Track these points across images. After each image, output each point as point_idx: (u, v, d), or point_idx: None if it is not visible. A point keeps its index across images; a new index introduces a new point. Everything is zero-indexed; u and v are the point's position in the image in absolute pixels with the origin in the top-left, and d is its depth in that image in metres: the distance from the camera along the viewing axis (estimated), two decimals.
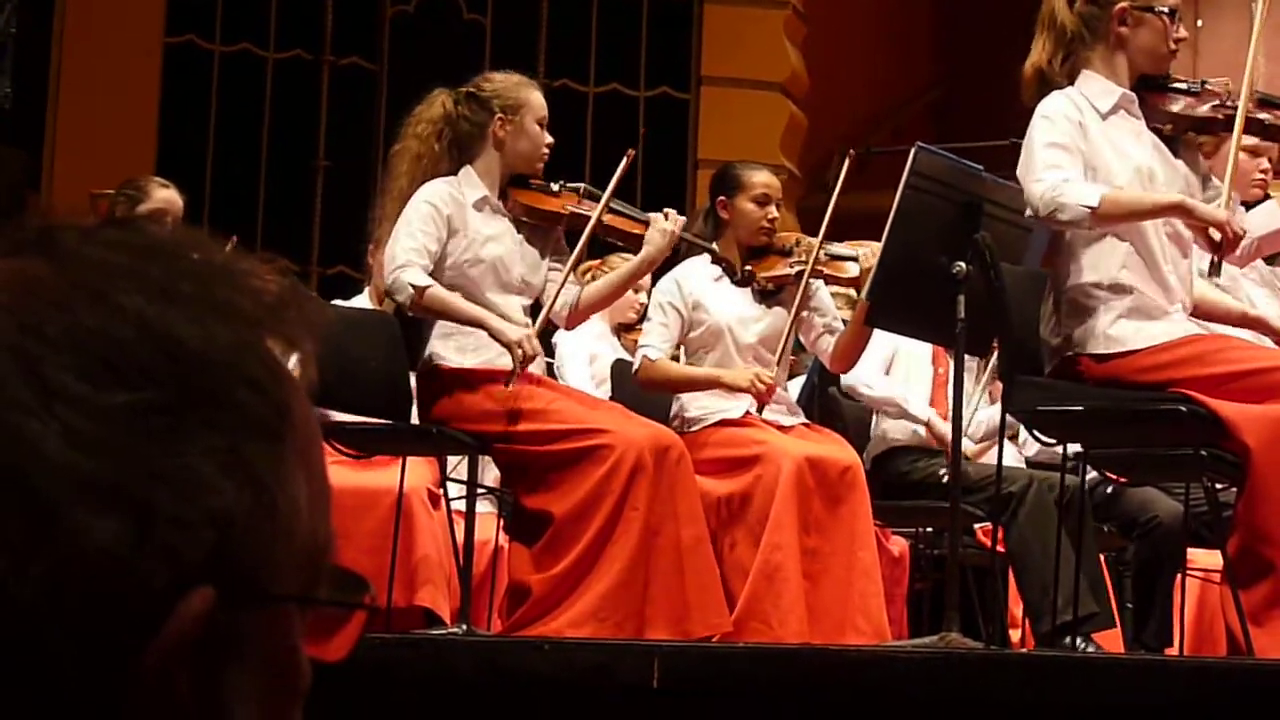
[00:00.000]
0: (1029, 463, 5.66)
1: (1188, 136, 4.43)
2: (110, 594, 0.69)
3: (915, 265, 4.42)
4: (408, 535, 5.27)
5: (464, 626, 4.67)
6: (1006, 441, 4.96)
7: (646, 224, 4.94)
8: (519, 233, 4.83)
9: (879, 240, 4.61)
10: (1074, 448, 4.53)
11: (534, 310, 4.83)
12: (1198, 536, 4.86)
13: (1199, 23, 9.92)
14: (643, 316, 5.74)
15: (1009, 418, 4.63)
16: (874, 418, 5.72)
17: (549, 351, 5.42)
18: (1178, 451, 4.18)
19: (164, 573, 0.69)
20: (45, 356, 0.70)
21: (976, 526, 5.50)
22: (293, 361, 0.77)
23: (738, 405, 5.03)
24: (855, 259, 5.18)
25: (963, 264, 4.34)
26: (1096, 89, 4.27)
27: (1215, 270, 4.19)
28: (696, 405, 5.08)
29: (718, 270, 5.17)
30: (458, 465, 5.19)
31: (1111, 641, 4.96)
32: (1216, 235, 4.09)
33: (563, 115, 6.04)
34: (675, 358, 5.14)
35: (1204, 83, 4.37)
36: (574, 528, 4.54)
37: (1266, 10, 4.39)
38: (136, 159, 8.06)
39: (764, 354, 5.10)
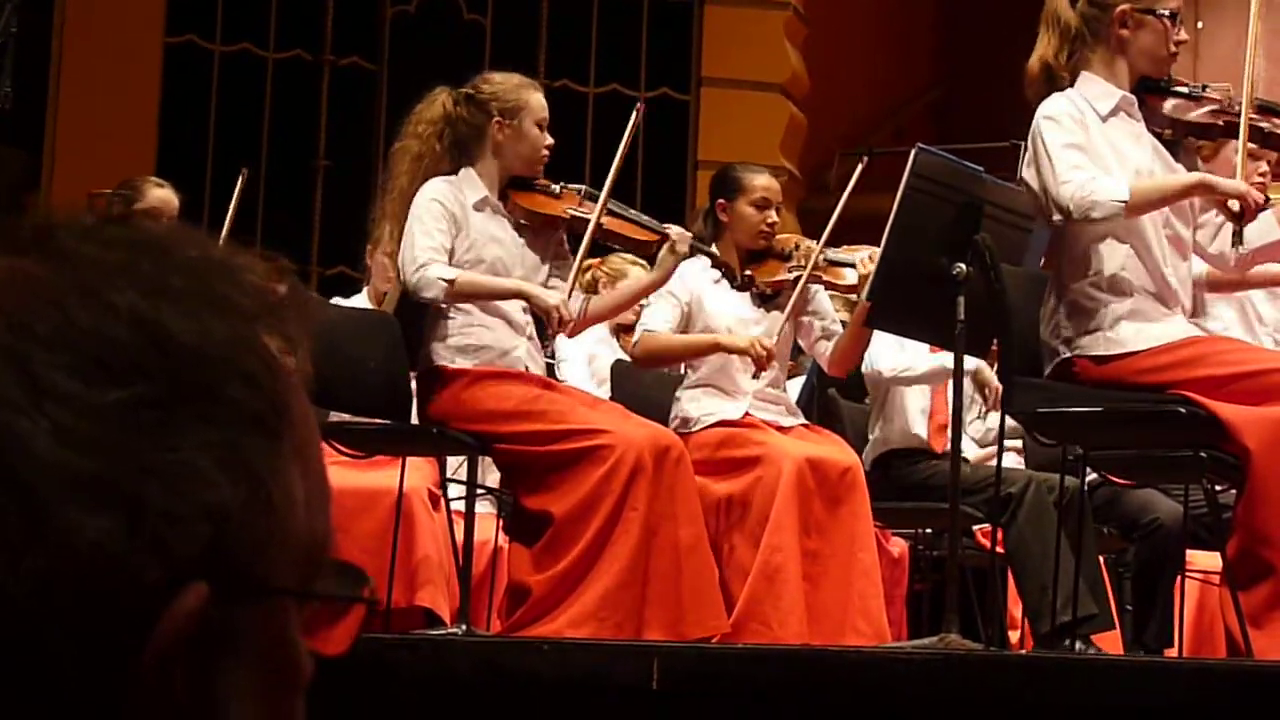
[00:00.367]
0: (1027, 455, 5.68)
1: (1186, 141, 4.43)
2: (104, 591, 0.69)
3: (915, 266, 4.41)
4: (408, 535, 5.27)
5: (464, 627, 4.66)
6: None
7: (653, 231, 4.94)
8: (520, 235, 4.83)
9: (878, 243, 4.60)
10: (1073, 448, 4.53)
11: (533, 312, 4.83)
12: (1197, 538, 4.86)
13: (1199, 24, 9.92)
14: None
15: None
16: (873, 419, 5.71)
17: (548, 352, 5.42)
18: (1177, 453, 4.17)
19: (158, 568, 0.69)
20: (35, 355, 0.70)
21: (976, 528, 5.50)
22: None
23: (736, 406, 5.03)
24: (854, 265, 5.18)
25: (963, 265, 4.34)
26: (1096, 91, 4.26)
27: (1238, 239, 4.16)
28: (695, 406, 5.08)
29: (717, 273, 5.17)
30: (459, 468, 5.19)
31: (1111, 644, 4.96)
32: (1236, 205, 4.08)
33: (562, 116, 6.04)
34: None
35: (1205, 87, 4.37)
36: (573, 528, 4.54)
37: (1261, 13, 4.38)
38: (136, 159, 8.06)
39: None
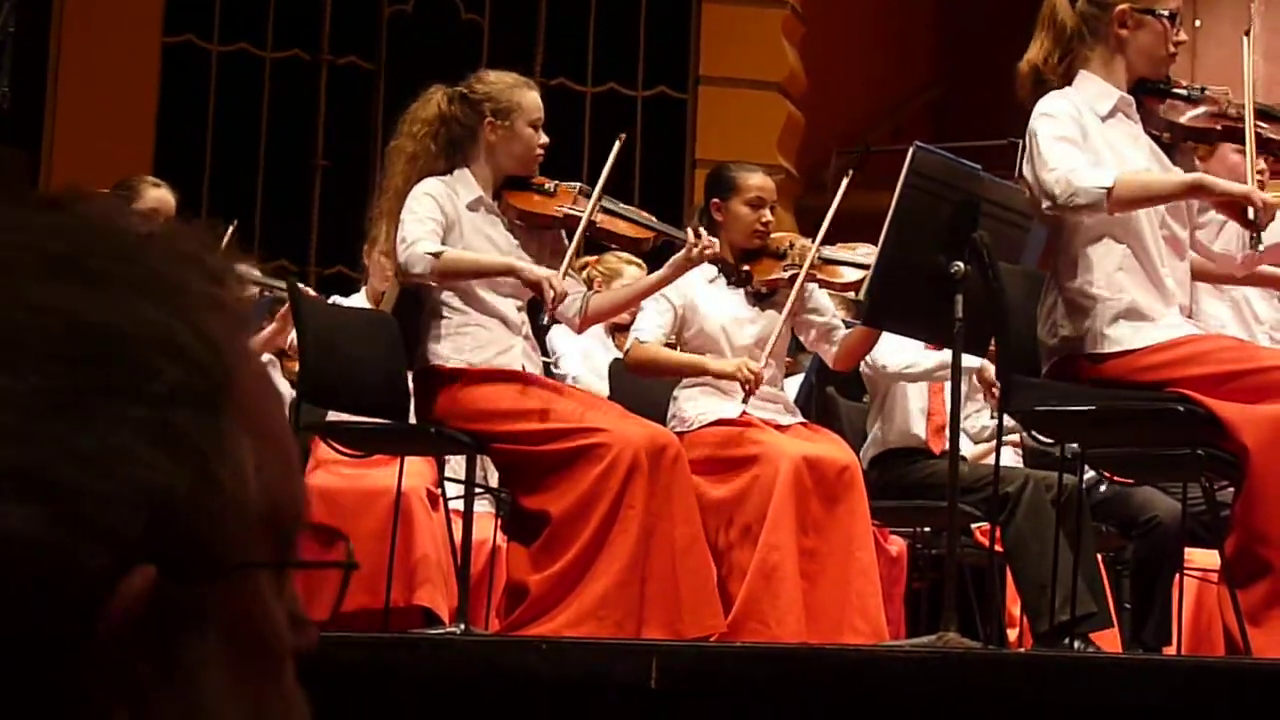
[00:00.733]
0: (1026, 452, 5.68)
1: (1184, 143, 4.43)
2: (43, 580, 0.68)
3: (913, 264, 4.42)
4: (406, 535, 5.27)
5: (462, 626, 4.67)
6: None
7: (648, 229, 4.94)
8: (515, 236, 4.83)
9: (876, 241, 4.60)
10: (1071, 447, 4.53)
11: (531, 311, 4.83)
12: (1195, 536, 4.86)
13: (1197, 23, 9.91)
14: None
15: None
16: (871, 418, 5.71)
17: (544, 350, 5.42)
18: (1176, 451, 4.17)
19: (102, 554, 0.69)
20: None
21: (974, 526, 5.49)
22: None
23: (734, 405, 5.03)
24: (850, 264, 5.17)
25: (961, 263, 4.34)
26: (1095, 91, 4.26)
27: (1255, 242, 4.16)
28: (693, 405, 5.07)
29: (713, 271, 5.16)
30: (457, 466, 5.19)
31: (1109, 642, 4.96)
32: (1251, 213, 4.08)
33: (560, 115, 6.04)
34: (672, 348, 5.14)
35: (1204, 89, 4.37)
36: (571, 527, 4.54)
37: (1261, 11, 4.38)
38: (134, 158, 8.05)
39: (759, 356, 5.09)
